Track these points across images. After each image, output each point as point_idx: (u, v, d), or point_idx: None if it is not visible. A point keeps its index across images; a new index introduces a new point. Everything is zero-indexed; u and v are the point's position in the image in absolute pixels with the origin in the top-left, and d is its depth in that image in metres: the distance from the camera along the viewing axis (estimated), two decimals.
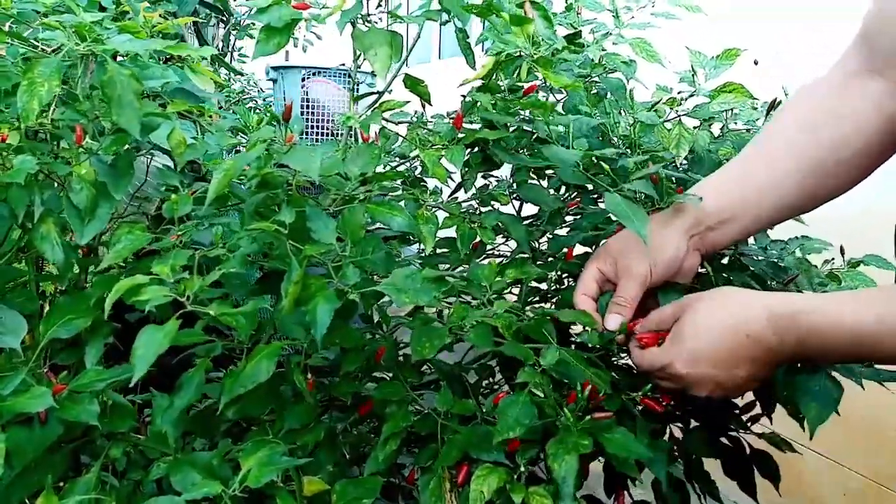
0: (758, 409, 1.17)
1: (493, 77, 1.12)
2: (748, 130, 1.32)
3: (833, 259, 1.25)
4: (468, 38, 1.05)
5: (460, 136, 1.05)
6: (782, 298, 0.91)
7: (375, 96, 1.08)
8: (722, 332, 0.90)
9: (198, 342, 0.92)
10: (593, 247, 1.21)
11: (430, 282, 0.88)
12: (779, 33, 2.42)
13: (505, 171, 1.21)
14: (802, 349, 0.88)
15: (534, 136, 1.15)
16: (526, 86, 1.09)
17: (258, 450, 0.88)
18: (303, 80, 2.35)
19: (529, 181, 1.20)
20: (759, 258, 1.23)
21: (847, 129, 1.02)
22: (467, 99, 1.11)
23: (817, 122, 1.03)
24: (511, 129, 1.14)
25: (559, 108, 1.32)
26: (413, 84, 1.05)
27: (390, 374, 1.06)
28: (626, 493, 1.13)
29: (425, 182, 1.23)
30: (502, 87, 1.08)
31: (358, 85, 2.37)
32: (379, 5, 0.94)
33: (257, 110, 3.09)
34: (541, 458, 0.95)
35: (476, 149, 1.10)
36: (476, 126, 1.10)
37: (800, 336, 0.87)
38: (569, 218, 1.27)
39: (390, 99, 1.07)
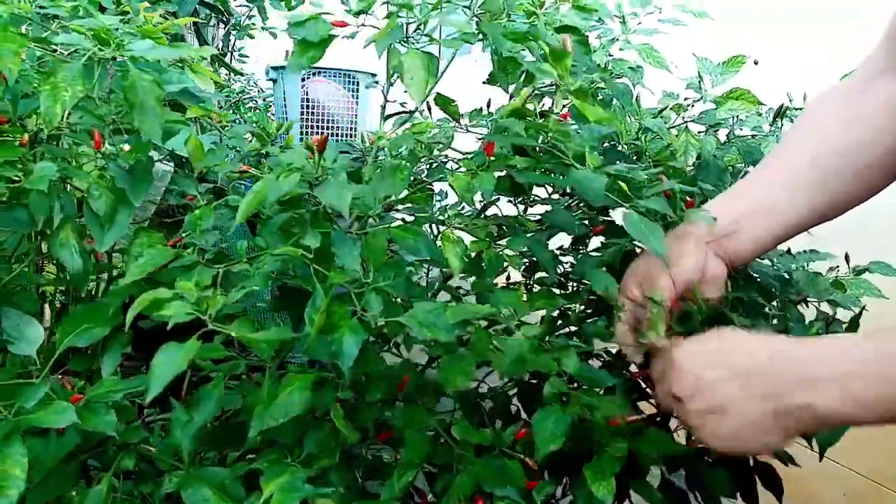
0: None
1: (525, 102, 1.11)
2: (754, 136, 1.32)
3: (837, 267, 1.26)
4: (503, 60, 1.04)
5: (491, 161, 1.04)
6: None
7: (400, 114, 1.08)
8: (738, 346, 0.86)
9: (217, 357, 0.91)
10: None
11: (445, 313, 0.87)
12: (781, 37, 2.43)
13: None
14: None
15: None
16: (558, 112, 1.09)
17: (279, 474, 0.87)
18: (303, 80, 2.34)
19: (555, 206, 1.19)
20: (768, 272, 1.23)
21: (870, 132, 1.00)
22: (497, 117, 1.10)
23: (838, 126, 1.02)
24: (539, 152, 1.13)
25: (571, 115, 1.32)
26: (444, 103, 1.05)
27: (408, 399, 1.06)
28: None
29: (432, 186, 1.22)
30: (534, 111, 1.08)
31: (357, 85, 2.37)
32: (418, 29, 0.93)
33: (257, 110, 3.07)
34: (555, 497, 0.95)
35: (504, 173, 1.09)
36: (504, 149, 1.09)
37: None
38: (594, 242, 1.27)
39: (423, 121, 1.07)
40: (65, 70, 0.85)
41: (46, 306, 1.19)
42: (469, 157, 1.06)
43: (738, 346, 0.86)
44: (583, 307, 1.19)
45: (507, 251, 1.04)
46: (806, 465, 1.21)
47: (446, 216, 1.02)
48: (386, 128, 1.07)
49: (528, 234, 1.11)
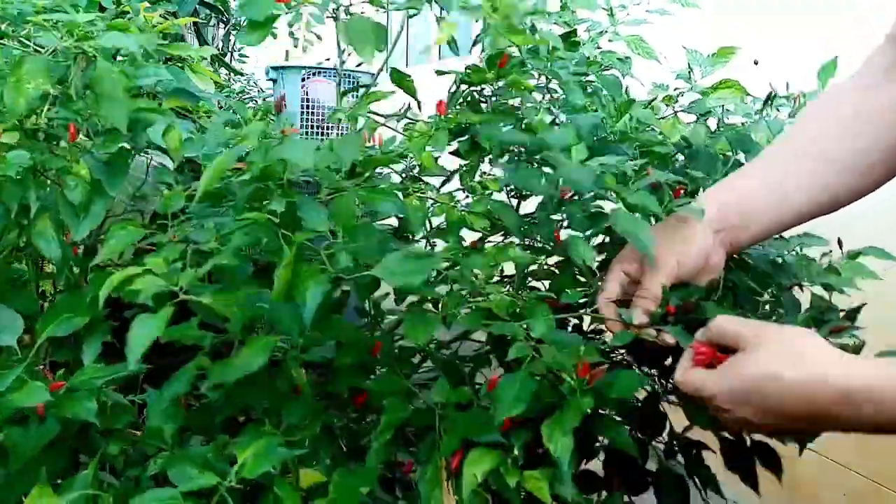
0: None
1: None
2: (743, 124, 1.32)
3: (831, 251, 1.25)
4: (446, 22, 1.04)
5: (444, 119, 1.04)
6: (860, 369, 0.81)
7: (363, 90, 1.09)
8: (785, 391, 0.82)
9: (194, 338, 0.92)
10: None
11: (416, 259, 0.87)
12: (776, 28, 2.42)
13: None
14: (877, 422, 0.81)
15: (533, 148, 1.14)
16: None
17: (255, 441, 0.88)
18: (303, 80, 2.35)
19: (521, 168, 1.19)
20: (758, 252, 1.22)
21: (875, 130, 1.01)
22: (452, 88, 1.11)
23: (844, 122, 1.03)
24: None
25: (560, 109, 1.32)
26: (399, 79, 1.06)
27: (386, 369, 1.07)
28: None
29: (424, 181, 1.23)
30: (488, 77, 1.08)
31: (353, 82, 2.38)
32: None
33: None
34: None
35: (465, 137, 1.09)
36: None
37: (877, 410, 0.79)
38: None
39: (377, 91, 1.08)
40: (29, 63, 0.87)
41: (46, 305, 1.21)
42: (425, 119, 1.08)
43: (775, 386, 0.83)
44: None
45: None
46: (806, 466, 1.20)
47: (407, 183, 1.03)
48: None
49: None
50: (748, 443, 1.18)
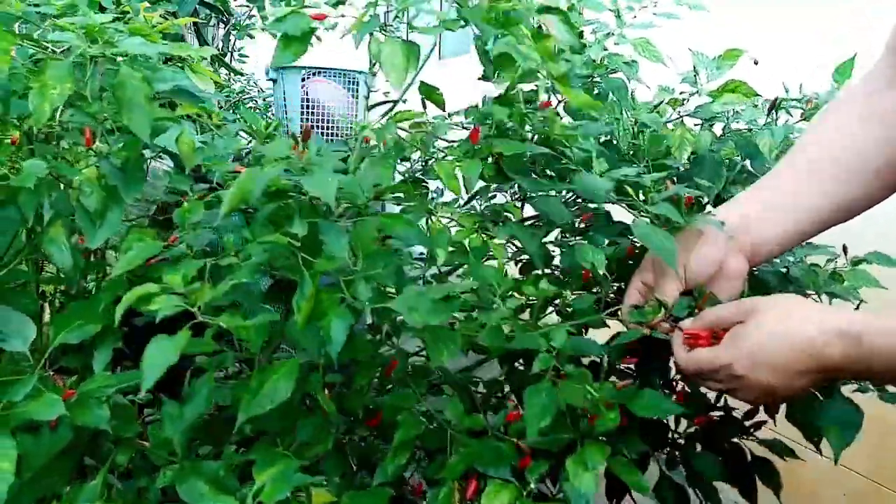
0: (760, 416, 1.17)
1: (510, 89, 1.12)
2: (750, 130, 1.32)
3: (837, 258, 1.25)
4: (488, 50, 1.04)
5: (476, 148, 1.04)
6: (851, 317, 0.87)
7: (388, 104, 1.08)
8: (789, 343, 0.87)
9: (207, 351, 0.91)
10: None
11: (439, 302, 0.88)
12: (773, 20, 2.42)
13: None
14: (866, 369, 0.85)
15: (561, 161, 1.14)
16: (542, 99, 1.10)
17: (271, 464, 0.87)
18: (303, 80, 2.34)
19: (541, 193, 1.20)
20: (766, 268, 1.23)
21: (882, 133, 1.02)
22: (482, 107, 1.11)
23: (851, 128, 1.03)
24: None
25: (564, 111, 1.31)
26: (428, 92, 1.05)
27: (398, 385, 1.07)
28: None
29: (426, 183, 1.22)
30: (518, 99, 1.08)
31: (357, 85, 2.36)
32: (397, 17, 0.93)
33: (257, 110, 3.08)
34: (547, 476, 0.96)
35: (489, 160, 1.09)
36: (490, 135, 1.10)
37: (863, 356, 0.84)
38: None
39: (406, 109, 1.07)
40: (53, 68, 0.86)
41: (46, 305, 1.20)
42: (455, 145, 1.07)
43: (776, 340, 0.88)
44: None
45: (494, 240, 1.04)
46: (806, 465, 1.20)
47: (433, 206, 1.03)
48: (372, 119, 1.08)
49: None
50: (748, 457, 1.19)
